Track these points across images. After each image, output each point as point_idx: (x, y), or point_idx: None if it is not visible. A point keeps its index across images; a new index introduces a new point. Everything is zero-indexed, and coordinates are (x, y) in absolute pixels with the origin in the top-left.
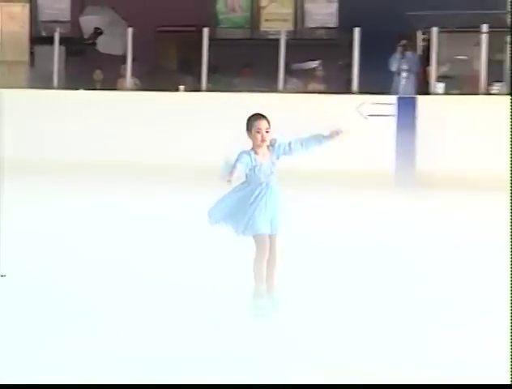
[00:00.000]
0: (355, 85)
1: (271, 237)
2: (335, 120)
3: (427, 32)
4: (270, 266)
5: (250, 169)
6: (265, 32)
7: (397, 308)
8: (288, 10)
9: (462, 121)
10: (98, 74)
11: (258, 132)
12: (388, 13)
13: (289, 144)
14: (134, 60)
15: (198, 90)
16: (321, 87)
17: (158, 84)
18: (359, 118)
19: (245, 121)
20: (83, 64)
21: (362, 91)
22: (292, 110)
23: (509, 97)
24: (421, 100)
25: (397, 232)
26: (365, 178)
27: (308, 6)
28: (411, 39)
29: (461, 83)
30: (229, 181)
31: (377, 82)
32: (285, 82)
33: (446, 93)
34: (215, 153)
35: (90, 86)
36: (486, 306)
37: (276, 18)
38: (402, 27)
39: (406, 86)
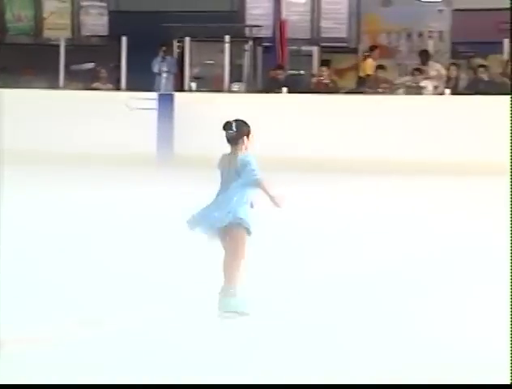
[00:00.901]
0: (123, 83)
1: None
2: (107, 113)
3: (181, 41)
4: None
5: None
6: (47, 38)
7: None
8: (66, 20)
9: (210, 113)
10: None
11: (252, 138)
12: (150, 24)
13: None
14: None
15: None
16: (105, 86)
17: None
18: (126, 111)
19: (250, 129)
20: None
21: (129, 89)
22: (71, 105)
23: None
24: (178, 96)
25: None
26: (131, 160)
27: (83, 18)
28: (170, 46)
29: (209, 83)
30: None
31: (142, 81)
32: (65, 81)
33: (198, 90)
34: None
35: None
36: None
37: (56, 27)
38: (162, 36)
39: (166, 84)
